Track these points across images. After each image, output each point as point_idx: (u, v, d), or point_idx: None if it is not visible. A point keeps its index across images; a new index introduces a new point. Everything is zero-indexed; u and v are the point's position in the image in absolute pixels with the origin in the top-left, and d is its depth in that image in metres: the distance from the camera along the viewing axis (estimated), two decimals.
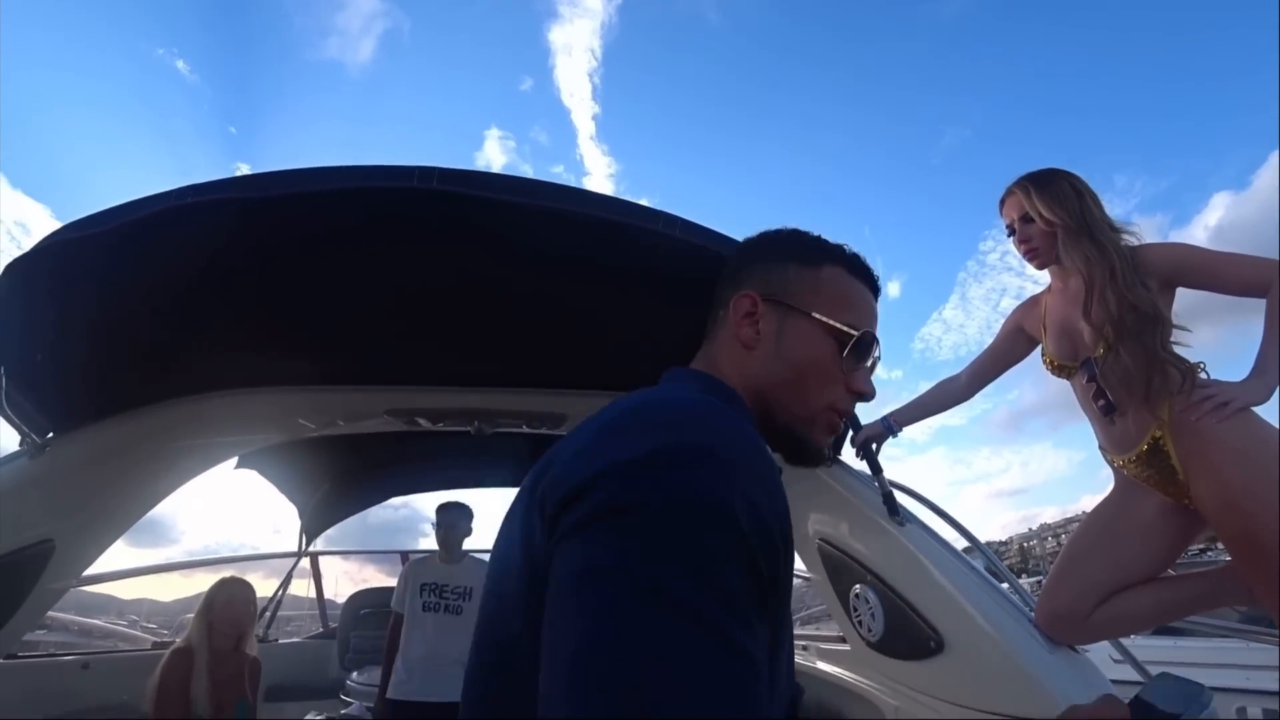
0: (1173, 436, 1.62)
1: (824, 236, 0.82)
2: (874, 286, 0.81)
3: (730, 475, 0.49)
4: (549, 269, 1.38)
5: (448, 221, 1.25)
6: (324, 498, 3.90)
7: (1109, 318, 1.63)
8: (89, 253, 1.27)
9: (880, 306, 0.81)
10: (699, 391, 0.69)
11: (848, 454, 1.94)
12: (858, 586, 1.82)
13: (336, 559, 5.01)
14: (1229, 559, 1.63)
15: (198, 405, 1.97)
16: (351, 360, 1.92)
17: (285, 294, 1.55)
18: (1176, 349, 1.64)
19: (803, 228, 0.84)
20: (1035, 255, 1.78)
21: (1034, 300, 1.96)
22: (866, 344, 0.76)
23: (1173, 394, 1.61)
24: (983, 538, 1.96)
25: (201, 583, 2.72)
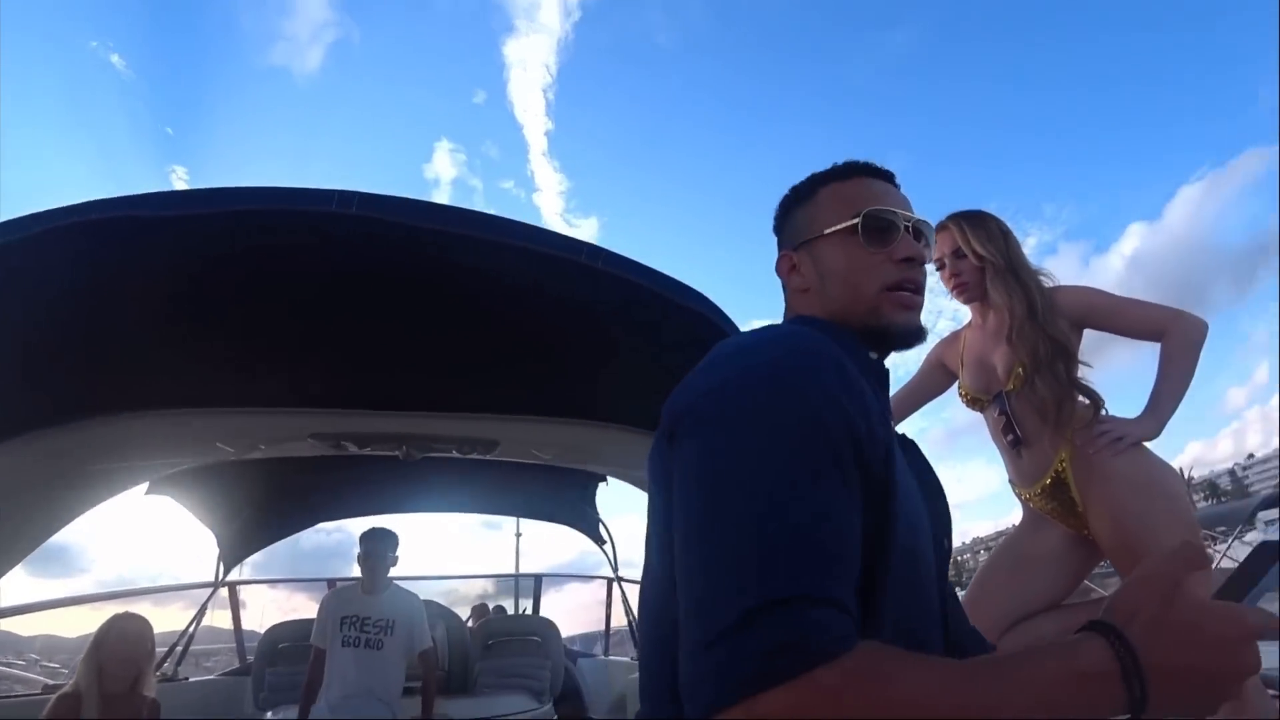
0: (1073, 469, 1.72)
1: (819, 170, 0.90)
2: (872, 173, 0.87)
3: (794, 380, 0.62)
4: (473, 296, 1.38)
5: (370, 247, 1.24)
6: (244, 524, 3.71)
7: (1028, 350, 1.72)
8: None
9: None
10: (787, 324, 0.82)
11: None
12: None
13: (264, 588, 4.76)
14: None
15: (106, 427, 1.86)
16: (274, 382, 1.86)
17: (203, 313, 1.50)
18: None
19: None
20: (964, 290, 1.85)
21: (954, 336, 2.05)
22: (875, 218, 0.81)
23: (1075, 429, 1.71)
24: None
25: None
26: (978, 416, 1.95)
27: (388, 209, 1.16)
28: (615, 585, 4.08)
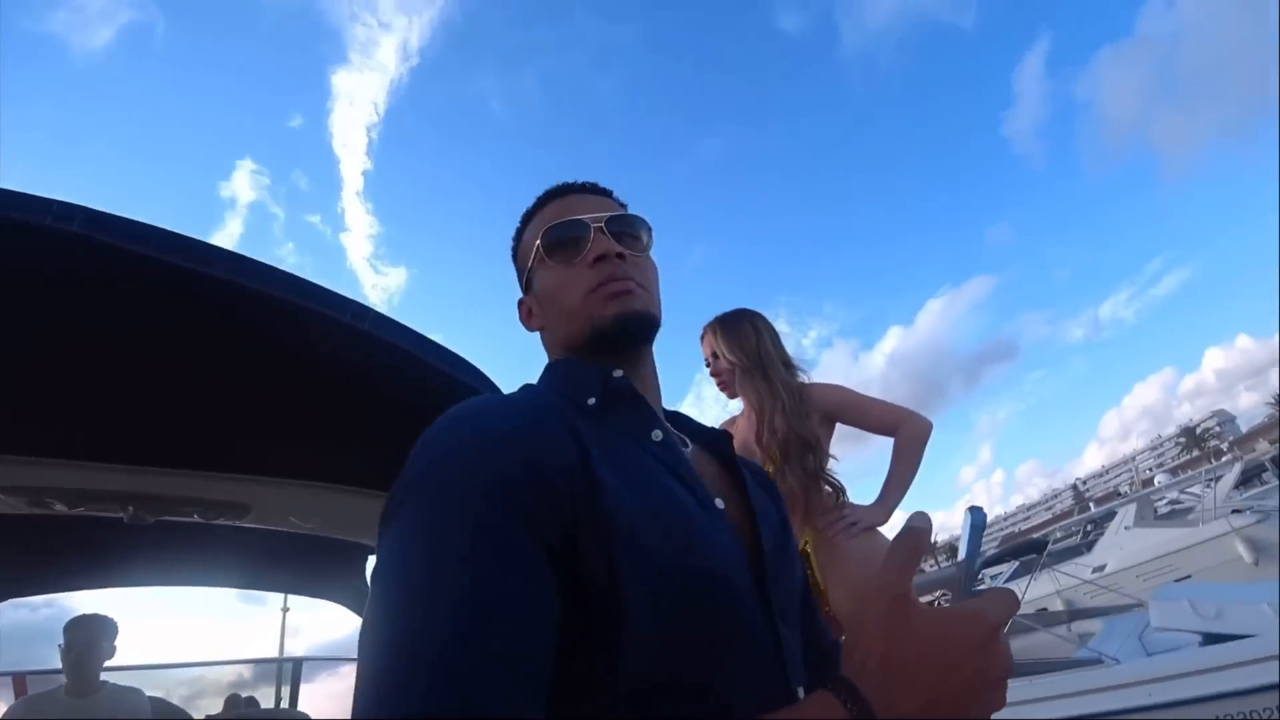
0: (815, 552, 1.91)
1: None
2: (561, 192, 0.87)
3: (440, 461, 0.58)
4: (223, 344, 1.24)
5: (91, 272, 1.07)
6: None
7: (777, 443, 1.91)
8: None
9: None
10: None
11: None
12: None
13: None
14: None
15: None
16: None
17: None
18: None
19: None
20: (725, 387, 2.06)
21: (730, 421, 2.22)
22: (552, 233, 0.81)
23: (819, 515, 1.91)
24: None
25: None
26: None
27: (119, 233, 1.01)
28: None
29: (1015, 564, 11.34)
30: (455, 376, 1.29)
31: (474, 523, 0.53)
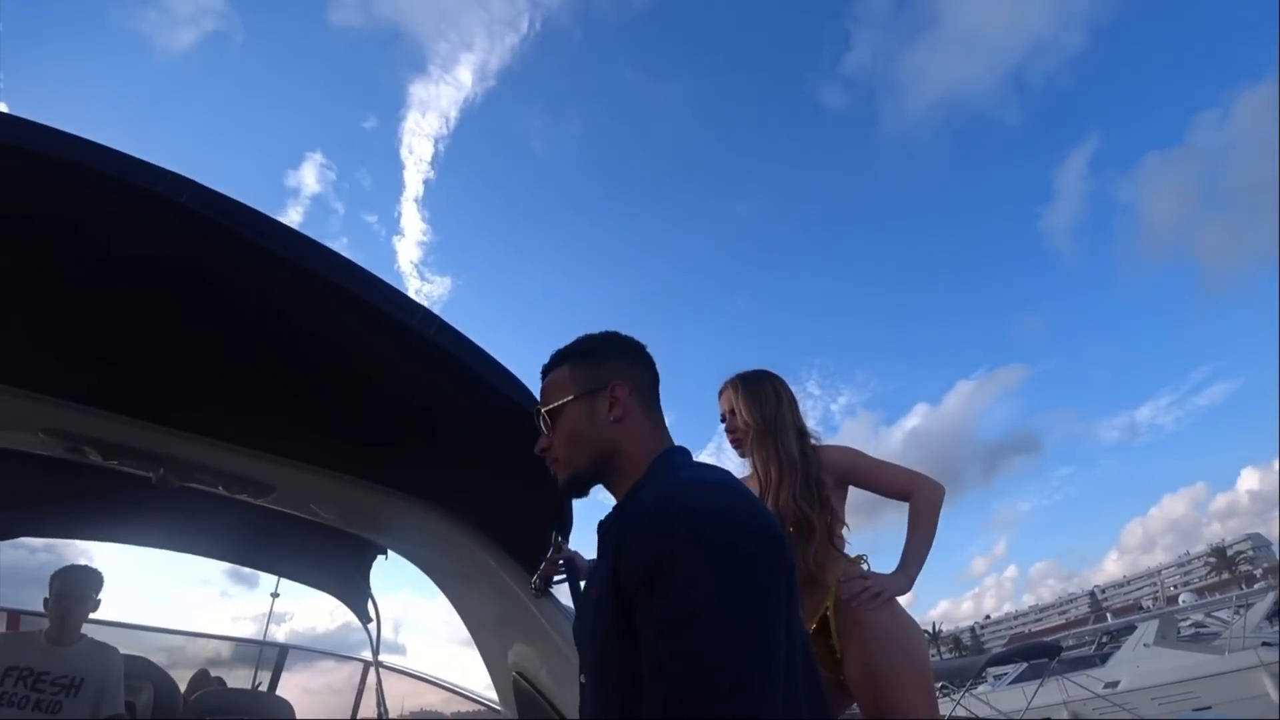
0: (836, 619, 1.84)
1: None
2: None
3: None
4: (287, 327, 1.26)
5: (183, 241, 1.10)
6: None
7: (778, 511, 1.86)
8: None
9: None
10: None
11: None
12: None
13: None
14: None
15: None
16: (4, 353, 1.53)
17: None
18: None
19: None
20: (740, 445, 2.02)
21: (745, 479, 2.18)
22: None
23: (837, 580, 1.85)
24: None
25: None
26: None
27: (222, 210, 1.04)
28: (374, 670, 3.64)
29: (1024, 665, 10.83)
30: (508, 397, 1.29)
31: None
